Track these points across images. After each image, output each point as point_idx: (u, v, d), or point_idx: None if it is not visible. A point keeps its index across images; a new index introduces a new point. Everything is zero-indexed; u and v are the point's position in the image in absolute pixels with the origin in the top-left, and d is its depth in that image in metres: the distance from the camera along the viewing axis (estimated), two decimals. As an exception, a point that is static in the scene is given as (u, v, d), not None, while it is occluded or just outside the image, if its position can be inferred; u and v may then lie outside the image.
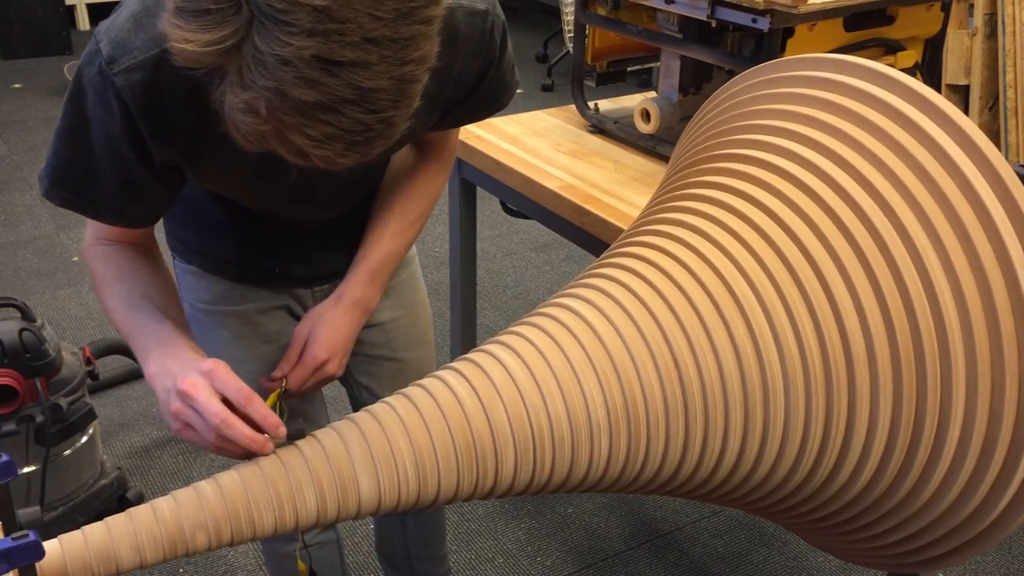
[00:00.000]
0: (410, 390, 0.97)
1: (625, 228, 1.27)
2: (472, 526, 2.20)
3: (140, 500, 2.11)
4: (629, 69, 2.02)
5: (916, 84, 0.96)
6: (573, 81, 1.96)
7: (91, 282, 1.16)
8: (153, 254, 1.13)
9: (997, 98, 1.56)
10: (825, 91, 1.01)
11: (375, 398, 1.43)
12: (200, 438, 0.93)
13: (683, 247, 1.00)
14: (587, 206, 1.62)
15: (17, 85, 4.85)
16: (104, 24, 0.96)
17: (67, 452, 1.93)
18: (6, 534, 0.78)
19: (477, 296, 2.53)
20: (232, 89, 0.74)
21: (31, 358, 1.75)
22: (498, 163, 1.82)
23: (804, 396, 0.93)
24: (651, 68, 2.30)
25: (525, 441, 0.93)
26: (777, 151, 1.01)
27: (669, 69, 1.77)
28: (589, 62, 1.94)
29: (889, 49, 1.70)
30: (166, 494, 0.90)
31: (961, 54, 1.58)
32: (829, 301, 0.92)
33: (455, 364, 0.99)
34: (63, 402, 1.82)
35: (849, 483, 0.97)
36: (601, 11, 1.82)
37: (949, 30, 1.60)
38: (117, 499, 2.07)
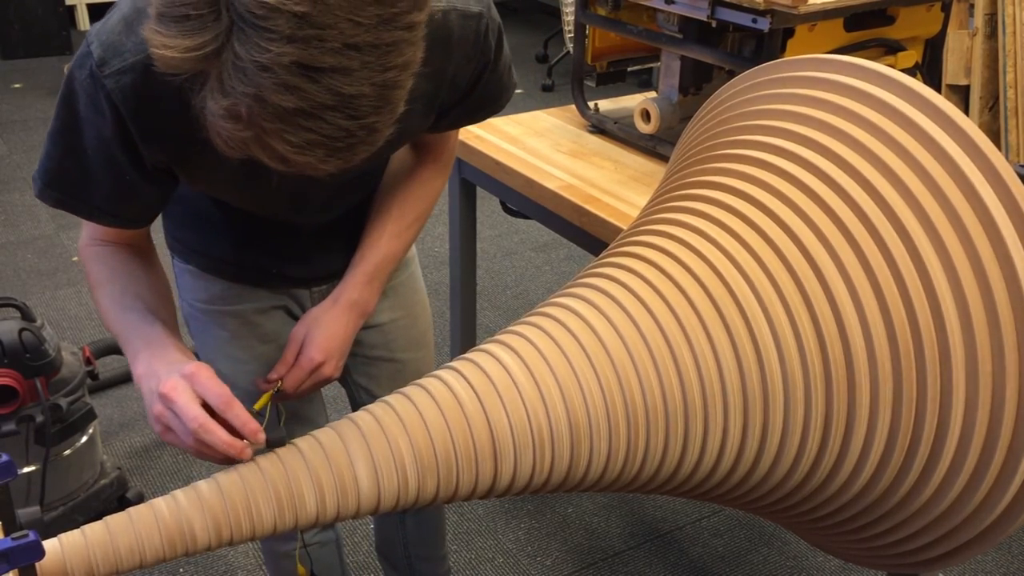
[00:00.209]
0: (409, 390, 0.97)
1: (625, 228, 1.27)
2: (472, 526, 2.20)
3: (140, 500, 2.11)
4: (629, 69, 2.02)
5: (916, 84, 0.96)
6: (573, 81, 1.96)
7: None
8: (148, 255, 1.13)
9: (997, 98, 1.56)
10: (825, 91, 1.01)
11: (374, 399, 1.42)
12: (180, 441, 0.93)
13: (682, 247, 1.00)
14: (587, 206, 1.62)
15: (17, 85, 4.85)
16: (96, 26, 0.96)
17: (67, 452, 1.93)
18: (6, 534, 0.78)
19: (477, 296, 2.54)
20: (212, 95, 0.74)
21: (31, 358, 1.75)
22: (498, 163, 1.82)
23: (803, 396, 0.93)
24: (651, 68, 2.30)
25: (524, 440, 0.93)
26: (777, 151, 1.00)
27: (669, 69, 1.77)
28: (589, 62, 1.94)
29: (889, 49, 1.70)
30: (166, 494, 0.90)
31: (961, 54, 1.58)
32: (829, 301, 0.92)
33: (455, 364, 0.99)
34: (63, 402, 1.82)
35: (849, 482, 0.97)
36: (601, 11, 1.82)
37: (949, 30, 1.60)
38: (117, 499, 2.07)
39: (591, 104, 1.98)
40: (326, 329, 1.18)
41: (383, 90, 0.74)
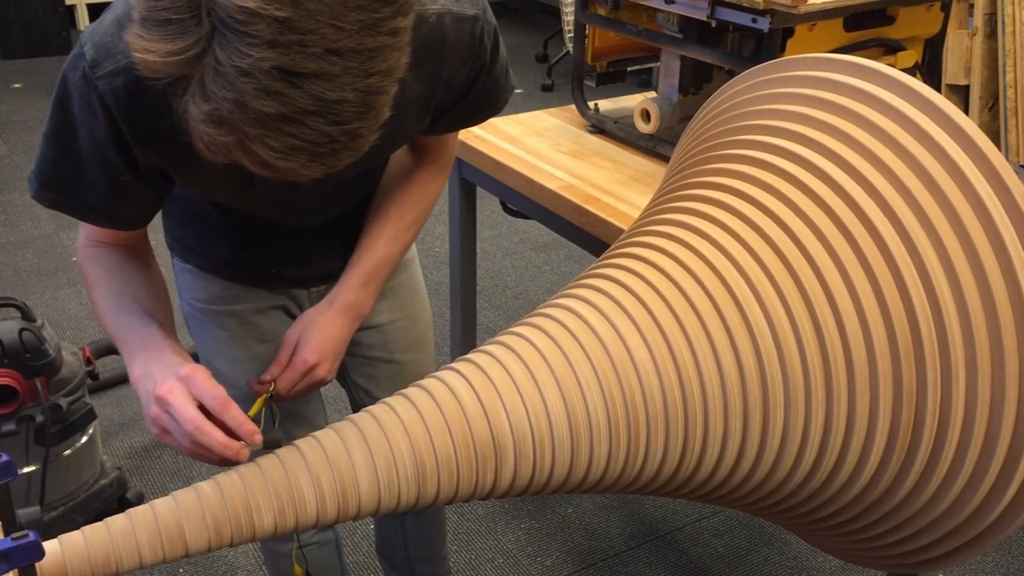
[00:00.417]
0: (410, 391, 0.97)
1: (625, 228, 1.27)
2: (472, 526, 2.20)
3: (140, 500, 2.11)
4: (629, 69, 2.02)
5: (916, 84, 0.96)
6: (573, 81, 1.96)
7: (87, 283, 1.17)
8: (145, 257, 1.13)
9: (997, 98, 1.55)
10: (825, 91, 1.01)
11: (373, 400, 1.42)
12: (177, 443, 0.93)
13: (683, 247, 1.00)
14: (587, 206, 1.62)
15: (17, 85, 4.85)
16: (89, 28, 0.96)
17: (67, 452, 1.93)
18: (6, 534, 0.78)
19: (477, 296, 2.53)
20: (194, 100, 0.74)
21: (31, 358, 1.75)
22: (498, 163, 1.82)
23: (804, 396, 0.93)
24: (651, 68, 2.30)
25: (525, 441, 0.93)
26: (777, 151, 1.00)
27: (669, 69, 1.77)
28: (589, 62, 1.94)
29: (889, 49, 1.70)
30: (166, 494, 0.90)
31: (961, 54, 1.58)
32: (829, 301, 0.92)
33: (455, 364, 0.99)
34: (63, 402, 1.82)
35: (849, 483, 0.97)
36: (601, 11, 1.82)
37: (949, 30, 1.60)
38: (117, 499, 2.07)
39: (591, 104, 1.98)
40: (321, 331, 1.18)
41: (366, 96, 0.74)
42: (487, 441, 0.93)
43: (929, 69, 1.76)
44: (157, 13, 0.72)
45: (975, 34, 1.55)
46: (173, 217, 1.29)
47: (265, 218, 1.21)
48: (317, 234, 1.26)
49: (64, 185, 1.03)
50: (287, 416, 1.35)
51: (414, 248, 1.44)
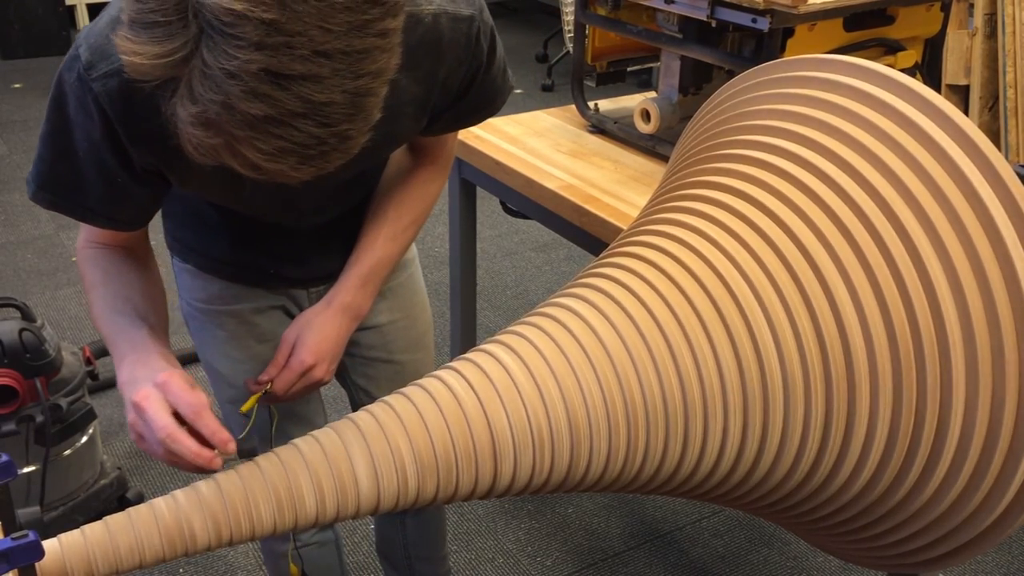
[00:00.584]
0: (409, 390, 0.97)
1: (625, 228, 1.27)
2: (472, 526, 2.20)
3: (140, 500, 2.11)
4: (629, 69, 2.02)
5: (916, 84, 0.96)
6: (573, 81, 1.96)
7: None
8: (143, 259, 1.13)
9: (997, 98, 1.55)
10: (825, 91, 1.01)
11: (373, 400, 1.42)
12: (152, 450, 0.93)
13: (682, 247, 1.00)
14: (587, 206, 1.62)
15: (17, 85, 4.85)
16: (85, 29, 0.96)
17: (67, 452, 1.93)
18: (6, 534, 0.78)
19: (477, 296, 2.53)
20: (182, 102, 0.74)
21: (31, 358, 1.75)
22: (498, 163, 1.82)
23: (803, 396, 0.93)
24: (651, 68, 2.30)
25: (524, 441, 0.93)
26: (777, 151, 1.00)
27: (669, 69, 1.77)
28: (589, 62, 1.94)
29: (889, 49, 1.70)
30: (166, 494, 0.90)
31: (961, 54, 1.58)
32: (829, 301, 0.92)
33: (454, 364, 0.99)
34: (63, 402, 1.82)
35: (849, 483, 0.97)
36: (601, 11, 1.82)
37: (949, 30, 1.60)
38: (117, 499, 2.07)
39: (591, 104, 1.98)
40: (318, 332, 1.18)
41: (355, 98, 0.74)
42: (486, 440, 0.93)
43: (929, 69, 1.77)
44: (145, 16, 0.71)
45: (975, 34, 1.55)
46: (173, 217, 1.29)
47: (264, 219, 1.21)
48: (316, 234, 1.26)
49: (62, 186, 1.03)
50: (287, 416, 1.35)
51: (414, 248, 1.44)
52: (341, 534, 1.59)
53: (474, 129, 1.93)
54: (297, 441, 0.94)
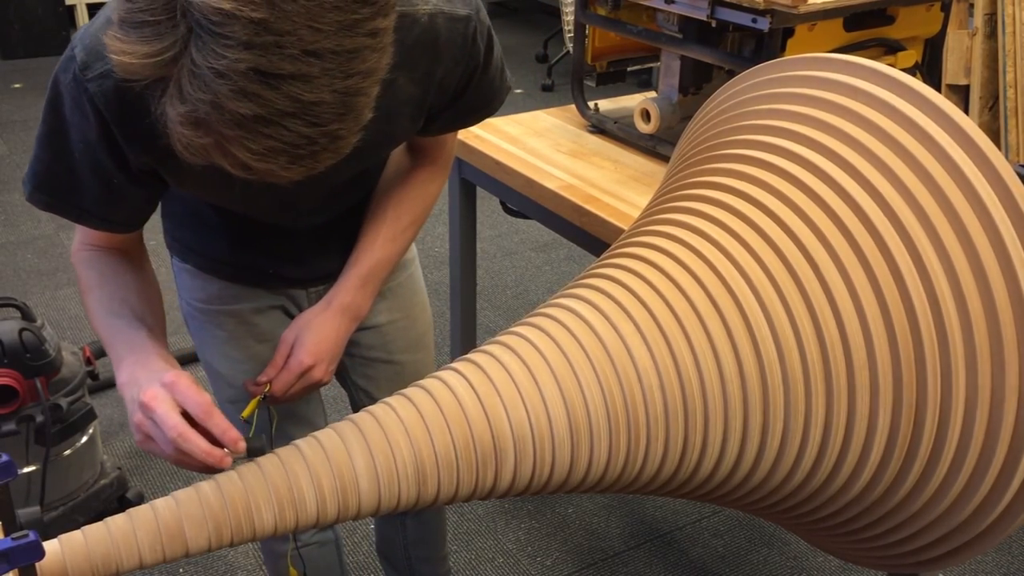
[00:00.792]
0: (410, 390, 0.97)
1: (625, 228, 1.27)
2: (472, 526, 2.20)
3: (140, 500, 2.11)
4: (629, 69, 2.02)
5: (916, 84, 0.96)
6: (573, 81, 1.96)
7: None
8: (139, 261, 1.13)
9: (997, 98, 1.55)
10: (825, 91, 1.01)
11: (373, 400, 1.42)
12: (160, 450, 0.93)
13: (683, 247, 1.00)
14: (587, 206, 1.62)
15: (17, 85, 4.85)
16: (81, 30, 0.96)
17: (67, 452, 1.93)
18: (6, 534, 0.78)
19: (477, 296, 2.54)
20: (172, 102, 0.74)
21: (31, 358, 1.75)
22: (498, 163, 1.82)
23: (804, 396, 0.93)
24: (651, 68, 2.30)
25: (525, 441, 0.93)
26: (777, 151, 1.00)
27: (669, 69, 1.77)
28: (589, 62, 1.94)
29: (889, 49, 1.70)
30: (166, 494, 0.90)
31: (961, 54, 1.58)
32: (829, 301, 0.92)
33: (455, 364, 0.99)
34: (63, 402, 1.82)
35: (849, 483, 0.97)
36: (601, 11, 1.82)
37: (949, 30, 1.60)
38: (117, 499, 2.07)
39: (591, 104, 1.98)
40: (317, 332, 1.18)
41: (345, 97, 0.73)
42: (487, 441, 0.93)
43: (929, 69, 1.77)
44: (134, 15, 0.72)
45: (975, 34, 1.55)
46: (172, 217, 1.29)
47: (263, 219, 1.21)
48: (315, 234, 1.26)
49: (58, 187, 1.03)
50: (287, 416, 1.35)
51: (414, 248, 1.44)
52: (341, 534, 1.59)
53: (474, 129, 1.93)
54: (298, 442, 0.94)
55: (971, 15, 1.57)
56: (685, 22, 1.66)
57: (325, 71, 0.71)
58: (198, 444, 0.91)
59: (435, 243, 3.41)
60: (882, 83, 0.98)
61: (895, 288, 0.90)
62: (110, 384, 2.59)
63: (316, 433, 0.95)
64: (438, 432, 0.92)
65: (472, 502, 1.58)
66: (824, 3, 1.51)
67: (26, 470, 1.84)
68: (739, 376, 0.94)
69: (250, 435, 1.19)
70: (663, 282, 0.98)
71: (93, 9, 5.57)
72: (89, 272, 1.09)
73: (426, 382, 0.97)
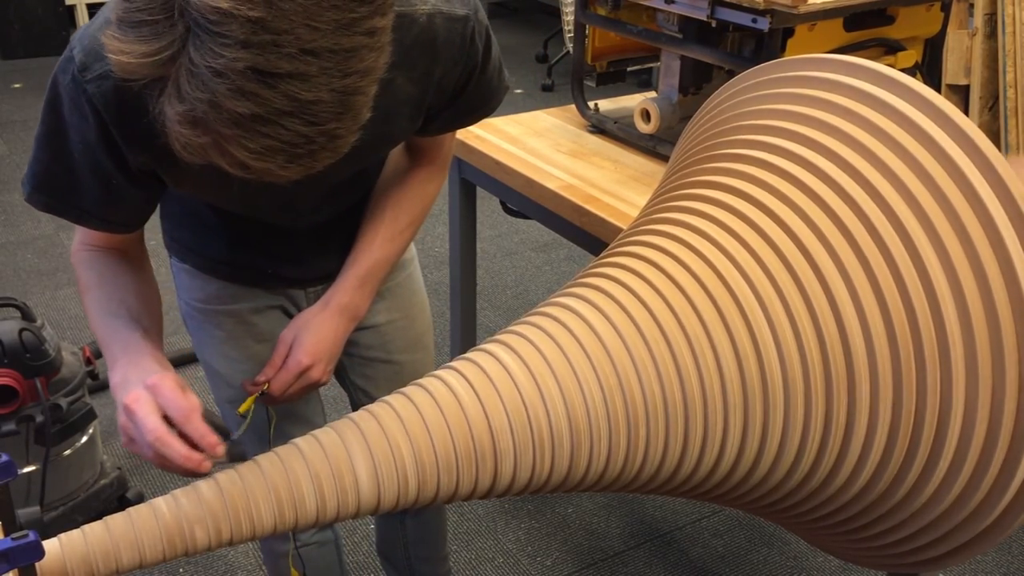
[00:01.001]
0: (409, 389, 0.97)
1: (625, 228, 1.27)
2: (472, 526, 2.20)
3: (140, 500, 2.11)
4: (629, 69, 2.02)
5: (916, 84, 0.96)
6: (573, 81, 1.96)
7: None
8: (138, 261, 1.13)
9: (997, 98, 1.56)
10: (825, 91, 1.01)
11: (372, 400, 1.42)
12: (143, 453, 0.93)
13: (682, 247, 1.00)
14: (587, 206, 1.62)
15: (17, 85, 4.85)
16: (80, 30, 0.97)
17: (67, 452, 1.93)
18: (6, 534, 0.78)
19: (477, 296, 2.53)
20: (170, 101, 0.74)
21: (31, 358, 1.75)
22: (498, 163, 1.82)
23: (803, 396, 0.93)
24: (651, 68, 2.30)
25: (525, 440, 0.93)
26: (777, 151, 1.00)
27: (669, 69, 1.77)
28: (589, 62, 1.94)
29: (889, 49, 1.70)
30: (166, 494, 0.90)
31: (961, 54, 1.58)
32: (829, 301, 0.92)
33: (454, 363, 0.99)
34: (63, 402, 1.82)
35: (849, 483, 0.97)
36: (601, 11, 1.82)
37: (949, 30, 1.60)
38: (117, 499, 2.07)
39: (591, 104, 1.98)
40: (315, 332, 1.18)
41: (343, 96, 0.73)
42: (487, 440, 0.93)
43: (929, 69, 1.76)
44: (132, 15, 0.72)
45: (975, 34, 1.55)
46: (171, 217, 1.29)
47: (261, 219, 1.21)
48: (314, 234, 1.26)
49: (57, 188, 1.03)
50: (286, 416, 1.35)
51: (413, 248, 1.44)
52: (341, 534, 1.59)
53: (474, 129, 1.93)
54: (297, 441, 0.94)
55: (971, 15, 1.57)
56: (685, 22, 1.66)
57: (323, 70, 0.71)
58: (176, 449, 0.91)
59: (435, 243, 3.41)
60: (882, 84, 0.98)
61: (895, 288, 0.90)
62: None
63: (315, 432, 0.95)
64: (438, 431, 0.92)
65: (472, 502, 1.58)
66: (824, 3, 1.51)
67: (26, 470, 1.84)
68: (739, 376, 0.94)
69: (241, 430, 1.20)
70: (663, 282, 0.98)
71: (93, 9, 5.57)
72: (88, 272, 1.09)
73: (426, 381, 0.97)
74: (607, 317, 0.97)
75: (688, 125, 1.22)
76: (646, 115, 1.78)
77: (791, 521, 1.11)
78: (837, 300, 0.92)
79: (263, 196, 1.09)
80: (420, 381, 0.98)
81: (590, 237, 1.64)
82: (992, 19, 1.54)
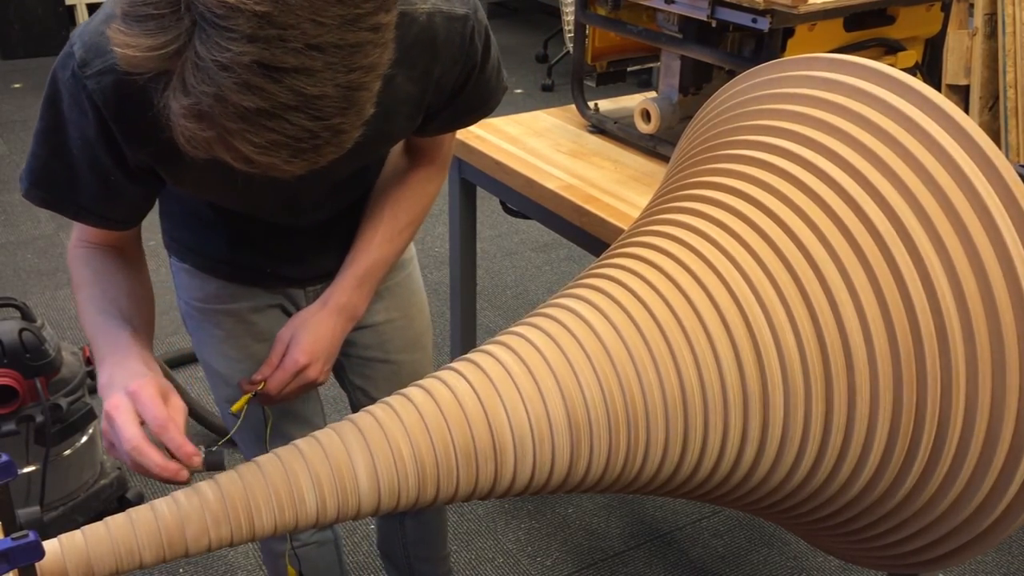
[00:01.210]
0: (409, 390, 0.97)
1: (625, 228, 1.27)
2: (472, 526, 2.20)
3: (140, 500, 2.11)
4: (629, 69, 2.02)
5: (916, 83, 0.96)
6: (573, 81, 1.96)
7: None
8: (133, 260, 1.13)
9: (997, 98, 1.56)
10: (825, 91, 1.01)
11: (371, 400, 1.42)
12: (122, 459, 0.93)
13: (683, 247, 1.00)
14: (587, 206, 1.62)
15: (17, 85, 4.85)
16: (80, 27, 0.97)
17: (67, 452, 1.93)
18: (6, 534, 0.78)
19: (477, 296, 2.53)
20: (175, 94, 0.74)
21: (31, 358, 1.75)
22: (498, 163, 1.82)
23: (803, 396, 0.93)
24: (651, 68, 2.30)
25: (525, 441, 0.93)
26: (777, 151, 1.00)
27: (669, 69, 1.77)
28: (589, 62, 1.94)
29: (889, 49, 1.70)
30: (166, 494, 0.90)
31: (961, 54, 1.58)
32: (829, 301, 0.92)
33: (455, 364, 0.99)
34: (63, 402, 1.82)
35: (849, 483, 0.97)
36: (601, 11, 1.82)
37: (949, 30, 1.60)
38: (117, 499, 2.07)
39: (591, 104, 1.98)
40: (312, 332, 1.18)
41: (348, 91, 0.74)
42: (487, 441, 0.93)
43: (929, 69, 1.76)
44: (138, 8, 0.72)
45: (975, 34, 1.55)
46: (170, 217, 1.29)
47: (261, 217, 1.21)
48: (313, 233, 1.26)
49: (55, 184, 1.03)
50: (286, 416, 1.35)
51: (412, 248, 1.44)
52: (341, 534, 1.59)
53: (474, 129, 1.93)
54: (297, 442, 0.94)
55: (971, 15, 1.57)
56: (685, 22, 1.66)
57: (328, 65, 0.72)
58: (152, 458, 0.90)
59: (435, 243, 3.41)
60: (882, 83, 0.98)
61: (895, 288, 0.90)
62: (110, 384, 2.59)
63: (315, 433, 0.95)
64: (438, 432, 0.92)
65: (472, 502, 1.58)
66: (824, 3, 1.51)
67: (26, 470, 1.84)
68: (739, 375, 0.94)
69: (233, 430, 1.19)
70: (663, 282, 0.98)
71: (93, 9, 5.57)
72: (83, 269, 1.09)
73: (426, 382, 0.97)
74: (607, 318, 0.97)
75: (689, 125, 1.22)
76: (646, 115, 1.78)
77: (791, 521, 1.11)
78: (837, 300, 0.92)
79: (265, 193, 1.09)
80: (420, 382, 0.98)
81: (590, 237, 1.64)
82: (992, 19, 1.54)
